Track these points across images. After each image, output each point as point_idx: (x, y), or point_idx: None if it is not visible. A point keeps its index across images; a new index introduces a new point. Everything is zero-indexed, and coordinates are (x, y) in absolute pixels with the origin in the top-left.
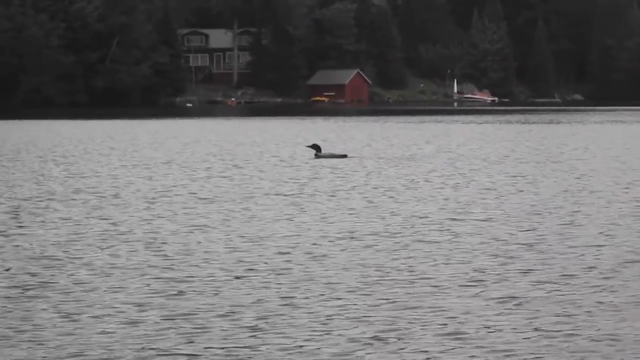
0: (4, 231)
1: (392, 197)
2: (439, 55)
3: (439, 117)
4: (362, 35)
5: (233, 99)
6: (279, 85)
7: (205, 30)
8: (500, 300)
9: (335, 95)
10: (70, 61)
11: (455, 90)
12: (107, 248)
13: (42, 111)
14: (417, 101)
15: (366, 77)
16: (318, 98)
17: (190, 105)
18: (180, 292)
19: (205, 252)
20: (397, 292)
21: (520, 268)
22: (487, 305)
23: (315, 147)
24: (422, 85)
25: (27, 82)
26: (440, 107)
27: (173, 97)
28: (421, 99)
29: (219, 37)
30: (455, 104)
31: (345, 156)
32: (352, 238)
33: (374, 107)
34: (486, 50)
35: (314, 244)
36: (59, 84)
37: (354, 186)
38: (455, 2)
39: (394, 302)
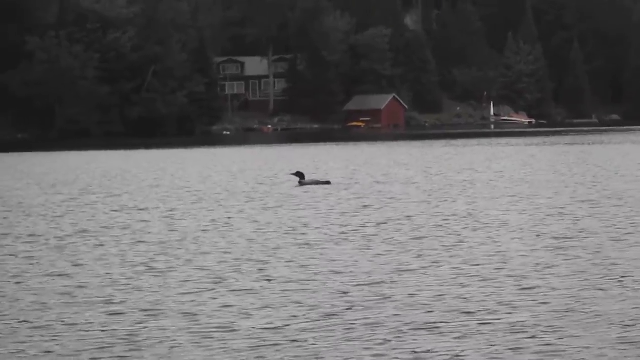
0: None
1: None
2: (474, 78)
3: (482, 140)
4: (397, 59)
5: (269, 126)
6: (315, 111)
7: (241, 58)
8: None
9: (371, 121)
10: (106, 92)
11: (492, 112)
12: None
13: (79, 142)
14: (453, 125)
15: (402, 102)
16: (355, 123)
17: (228, 133)
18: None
19: None
20: None
21: None
22: None
23: (299, 175)
24: (458, 108)
25: (63, 113)
26: (478, 130)
27: (209, 125)
28: (458, 123)
29: (255, 65)
30: (493, 126)
31: (329, 183)
32: None
33: (411, 131)
34: (521, 71)
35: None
36: (95, 114)
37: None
38: (490, 25)
39: None
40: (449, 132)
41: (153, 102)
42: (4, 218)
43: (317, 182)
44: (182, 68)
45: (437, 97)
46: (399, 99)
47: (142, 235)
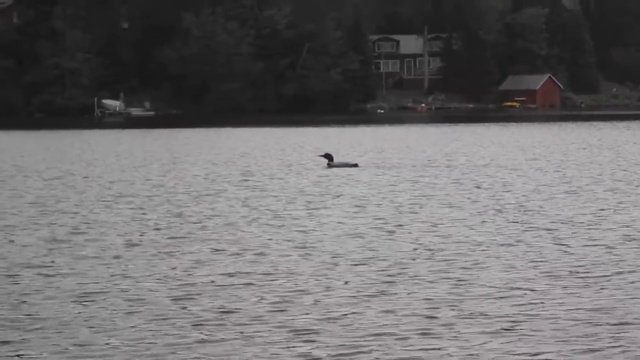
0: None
1: None
2: (632, 59)
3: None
4: (553, 39)
5: (423, 105)
6: (470, 90)
7: (396, 36)
8: None
9: (526, 100)
10: (260, 68)
11: None
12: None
13: (235, 118)
14: (610, 106)
15: (558, 82)
16: (509, 103)
17: (382, 111)
18: None
19: None
20: None
21: None
22: None
23: (328, 157)
24: (614, 89)
25: (218, 89)
26: (637, 111)
27: (363, 103)
28: (614, 104)
29: (410, 43)
30: None
31: (356, 165)
32: None
33: (566, 112)
34: None
35: None
36: (249, 91)
37: None
38: None
39: None
40: (607, 113)
41: (307, 79)
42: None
43: (346, 165)
44: (337, 45)
45: (593, 77)
46: (554, 79)
47: None
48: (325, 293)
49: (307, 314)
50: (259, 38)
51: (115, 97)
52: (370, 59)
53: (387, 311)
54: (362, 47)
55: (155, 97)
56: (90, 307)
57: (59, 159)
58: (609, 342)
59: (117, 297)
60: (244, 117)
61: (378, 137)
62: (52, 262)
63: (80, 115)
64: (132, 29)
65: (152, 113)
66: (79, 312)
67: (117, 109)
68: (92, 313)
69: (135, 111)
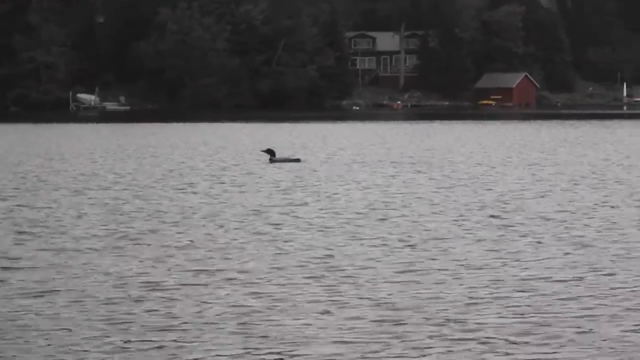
0: None
1: None
2: (608, 59)
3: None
4: (529, 38)
5: (399, 102)
6: (446, 88)
7: (373, 33)
8: None
9: (502, 99)
10: (236, 64)
11: (625, 94)
12: None
13: (210, 113)
14: (585, 105)
15: (534, 81)
16: (485, 101)
17: (357, 108)
18: None
19: None
20: None
21: None
22: None
23: (270, 152)
24: (590, 89)
25: (193, 84)
26: (611, 111)
27: (339, 100)
28: (590, 103)
29: (386, 40)
30: (625, 107)
31: (298, 160)
32: None
33: (542, 110)
34: None
35: None
36: (225, 86)
37: None
38: (626, 5)
39: None
40: (582, 112)
41: (283, 75)
42: None
43: (287, 160)
44: (313, 42)
45: (569, 76)
46: (530, 77)
47: None
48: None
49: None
50: (235, 34)
51: (91, 92)
52: (346, 55)
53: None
54: (339, 43)
55: (130, 91)
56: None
57: (31, 152)
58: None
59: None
60: (219, 112)
61: (344, 134)
62: (11, 254)
63: (55, 109)
64: (108, 22)
65: (127, 107)
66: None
67: (92, 103)
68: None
69: (110, 105)
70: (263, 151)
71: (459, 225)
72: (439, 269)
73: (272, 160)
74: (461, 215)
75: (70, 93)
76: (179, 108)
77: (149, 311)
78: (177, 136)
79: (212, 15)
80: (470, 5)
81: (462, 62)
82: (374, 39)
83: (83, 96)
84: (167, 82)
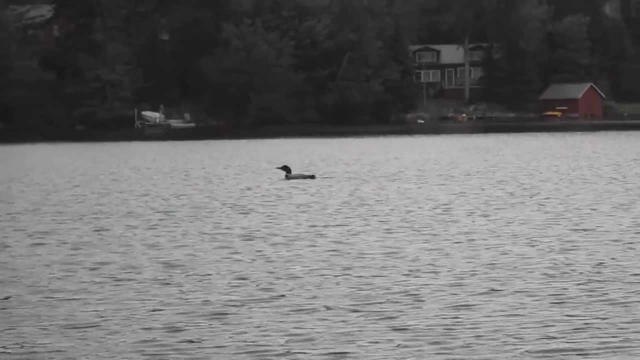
0: None
1: None
2: None
3: None
4: (594, 48)
5: (464, 115)
6: (511, 100)
7: (437, 46)
8: None
9: (568, 110)
10: (301, 79)
11: None
12: None
13: (274, 129)
14: None
15: (599, 91)
16: (551, 113)
17: (422, 121)
18: None
19: None
20: None
21: None
22: None
23: (286, 169)
24: None
25: (258, 100)
26: None
27: (404, 113)
28: None
29: (451, 53)
30: None
31: (313, 177)
32: None
33: (609, 121)
34: None
35: None
36: (290, 101)
37: None
38: None
39: None
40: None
41: (348, 90)
42: None
43: (303, 176)
44: (377, 56)
45: (636, 86)
46: (596, 88)
47: None
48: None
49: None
50: (299, 49)
51: (156, 109)
52: (410, 69)
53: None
54: (403, 57)
55: (195, 108)
56: None
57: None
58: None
59: None
60: (284, 128)
61: (394, 148)
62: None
63: (121, 127)
64: (172, 40)
65: (192, 125)
66: None
67: (157, 120)
68: None
69: (175, 123)
70: (279, 168)
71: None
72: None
73: (287, 177)
74: None
75: (135, 111)
76: (244, 124)
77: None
78: (240, 154)
79: (276, 31)
80: (534, 17)
81: (527, 74)
82: (438, 51)
83: (148, 114)
84: (231, 99)
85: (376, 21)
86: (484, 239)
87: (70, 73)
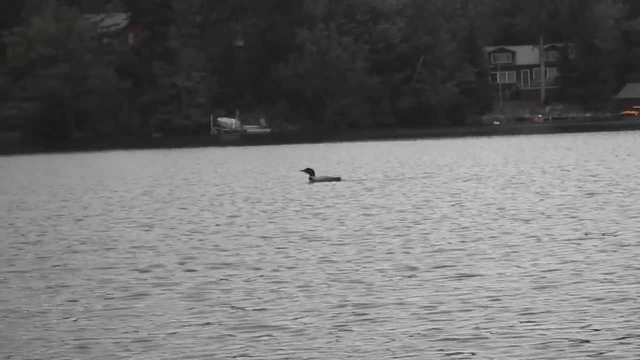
0: None
1: None
2: None
3: None
4: None
5: (540, 116)
6: (588, 99)
7: (512, 47)
8: None
9: None
10: (376, 83)
11: None
12: None
13: (352, 133)
14: None
15: None
16: (628, 112)
17: (498, 123)
18: None
19: None
20: None
21: None
22: None
23: (309, 172)
24: None
25: (333, 105)
26: None
27: (480, 115)
28: None
29: (526, 54)
30: None
31: (339, 179)
32: None
33: None
34: None
35: None
36: (365, 105)
37: None
38: None
39: None
40: None
41: (423, 92)
42: None
43: (328, 179)
44: (452, 58)
45: None
46: None
47: None
48: None
49: None
50: (373, 52)
51: (231, 115)
52: (486, 70)
53: None
54: (478, 58)
55: (270, 113)
56: None
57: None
58: None
59: None
60: (360, 131)
61: (495, 150)
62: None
63: (197, 134)
64: (247, 46)
65: (268, 130)
66: None
67: (233, 126)
68: None
69: (251, 128)
70: (302, 171)
71: None
72: None
73: (312, 180)
74: None
75: (211, 117)
76: (319, 128)
77: None
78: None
79: (350, 35)
80: (609, 16)
81: (603, 73)
82: (513, 53)
83: (224, 120)
84: (306, 103)
85: (450, 23)
86: None
87: (145, 81)
